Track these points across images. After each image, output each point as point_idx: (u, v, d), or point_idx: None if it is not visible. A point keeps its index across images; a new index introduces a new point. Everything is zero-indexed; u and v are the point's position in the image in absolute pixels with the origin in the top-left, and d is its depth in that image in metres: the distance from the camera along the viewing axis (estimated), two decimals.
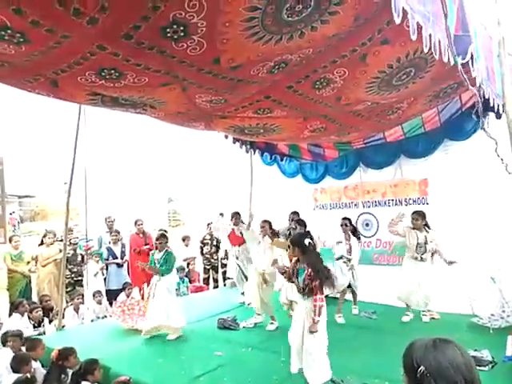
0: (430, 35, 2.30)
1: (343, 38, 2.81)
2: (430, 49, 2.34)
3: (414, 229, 5.43)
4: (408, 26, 2.82)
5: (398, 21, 1.96)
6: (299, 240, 3.85)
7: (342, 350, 4.09)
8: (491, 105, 3.46)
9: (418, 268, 5.42)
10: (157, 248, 5.48)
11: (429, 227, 5.45)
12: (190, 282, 8.73)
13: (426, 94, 4.27)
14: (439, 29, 2.38)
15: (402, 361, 1.32)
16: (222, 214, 6.90)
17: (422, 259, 5.39)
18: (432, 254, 5.46)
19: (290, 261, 4.36)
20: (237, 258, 6.72)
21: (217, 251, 9.29)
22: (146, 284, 8.11)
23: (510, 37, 3.13)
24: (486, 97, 3.23)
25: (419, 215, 5.42)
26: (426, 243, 5.35)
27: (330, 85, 3.55)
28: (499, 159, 2.99)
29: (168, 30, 2.37)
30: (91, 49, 2.54)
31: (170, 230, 11.97)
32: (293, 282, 3.89)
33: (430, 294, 5.43)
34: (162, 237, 5.49)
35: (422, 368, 1.22)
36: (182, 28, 2.36)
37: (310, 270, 3.67)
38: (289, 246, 3.95)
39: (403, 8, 1.99)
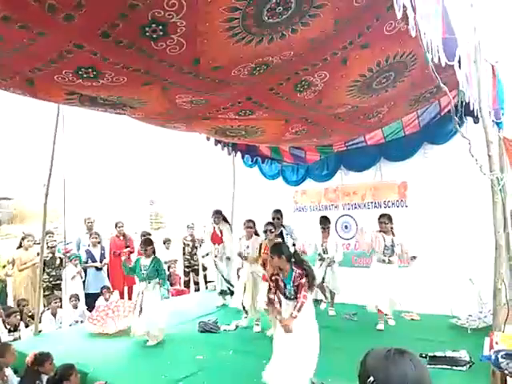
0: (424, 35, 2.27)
1: (324, 41, 2.82)
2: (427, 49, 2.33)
3: (380, 231, 5.43)
4: (388, 31, 2.89)
5: (399, 15, 1.92)
6: (282, 249, 3.72)
7: (322, 352, 4.07)
8: (470, 109, 3.51)
9: (386, 271, 5.40)
10: (141, 254, 5.28)
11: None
12: (171, 285, 8.64)
13: (405, 98, 4.32)
14: (431, 29, 2.38)
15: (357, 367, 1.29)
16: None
17: (389, 261, 5.38)
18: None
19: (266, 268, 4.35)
20: (215, 256, 6.67)
21: (196, 253, 9.22)
22: (126, 287, 8.05)
23: (486, 43, 3.20)
24: (467, 100, 3.27)
25: (388, 219, 5.40)
26: (392, 246, 5.35)
27: (311, 87, 3.56)
28: (474, 160, 3.04)
29: (147, 28, 2.33)
30: (68, 47, 2.47)
31: (151, 233, 11.86)
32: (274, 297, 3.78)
33: (395, 299, 5.38)
34: (149, 243, 5.30)
35: (371, 378, 1.20)
36: (161, 27, 2.33)
37: (298, 270, 3.61)
38: (271, 257, 3.73)
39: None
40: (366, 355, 1.29)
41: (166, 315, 5.23)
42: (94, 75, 2.89)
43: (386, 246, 5.39)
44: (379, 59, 3.17)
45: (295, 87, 3.53)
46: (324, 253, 6.05)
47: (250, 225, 5.70)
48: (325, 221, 6.15)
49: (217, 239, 6.61)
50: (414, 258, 5.33)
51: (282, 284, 3.70)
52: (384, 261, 5.38)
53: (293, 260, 3.69)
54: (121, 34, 2.37)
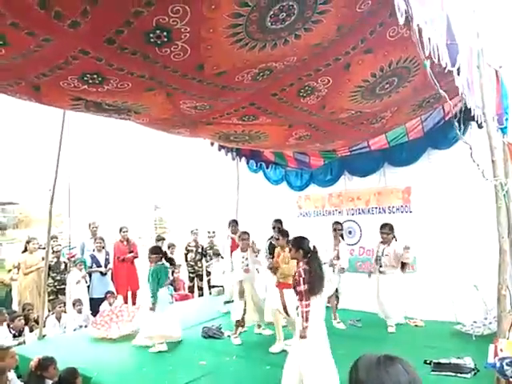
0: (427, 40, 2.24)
1: (327, 46, 2.83)
2: (430, 54, 2.32)
3: (382, 242, 5.43)
4: (391, 36, 2.90)
5: (401, 21, 1.91)
6: (302, 242, 3.78)
7: None
8: (472, 114, 3.51)
9: (379, 281, 5.43)
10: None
11: (395, 239, 5.42)
12: (175, 290, 8.63)
13: (409, 104, 4.32)
14: (437, 34, 2.37)
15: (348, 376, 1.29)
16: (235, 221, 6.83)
17: (380, 272, 5.38)
18: (403, 266, 5.36)
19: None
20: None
21: (201, 259, 9.22)
22: (130, 292, 8.05)
23: (489, 48, 3.20)
24: (468, 106, 3.27)
25: (390, 229, 5.39)
26: (382, 256, 5.35)
27: (315, 93, 3.57)
28: (475, 165, 3.04)
29: (151, 35, 2.35)
30: (73, 53, 2.50)
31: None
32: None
33: (388, 308, 5.37)
34: (153, 251, 5.26)
35: None
36: (165, 33, 2.35)
37: (298, 275, 3.62)
38: (290, 249, 3.89)
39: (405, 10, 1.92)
40: (356, 362, 1.28)
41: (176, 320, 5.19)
42: (99, 81, 2.92)
43: (377, 256, 5.41)
44: (382, 64, 3.18)
45: (298, 92, 3.55)
46: (335, 259, 5.95)
47: (245, 236, 5.55)
48: (338, 225, 6.04)
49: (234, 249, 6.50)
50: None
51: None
52: (378, 271, 5.43)
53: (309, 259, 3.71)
54: (126, 40, 2.39)
